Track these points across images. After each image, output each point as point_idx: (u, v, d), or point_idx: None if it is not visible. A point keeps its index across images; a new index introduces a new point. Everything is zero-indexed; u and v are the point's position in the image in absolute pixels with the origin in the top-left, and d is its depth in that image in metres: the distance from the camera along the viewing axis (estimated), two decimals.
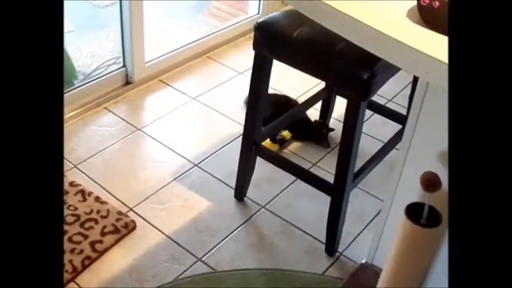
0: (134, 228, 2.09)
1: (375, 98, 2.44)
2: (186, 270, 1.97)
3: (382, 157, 2.17)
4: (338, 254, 2.08)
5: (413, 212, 1.43)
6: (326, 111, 2.58)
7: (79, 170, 2.34)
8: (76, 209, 2.11)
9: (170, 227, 2.12)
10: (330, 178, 1.96)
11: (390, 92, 2.92)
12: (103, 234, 2.03)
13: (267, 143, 2.48)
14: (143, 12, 2.69)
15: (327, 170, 2.41)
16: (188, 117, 2.71)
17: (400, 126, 2.28)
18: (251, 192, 2.27)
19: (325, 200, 2.01)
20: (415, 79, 2.09)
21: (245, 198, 2.27)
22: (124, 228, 2.07)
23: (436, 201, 1.41)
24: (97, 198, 2.17)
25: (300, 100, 2.73)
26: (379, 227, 1.84)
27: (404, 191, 1.68)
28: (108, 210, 2.12)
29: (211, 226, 2.14)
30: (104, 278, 1.91)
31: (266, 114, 2.13)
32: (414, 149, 1.60)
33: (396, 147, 2.17)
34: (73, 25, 3.25)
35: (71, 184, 2.22)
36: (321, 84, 2.60)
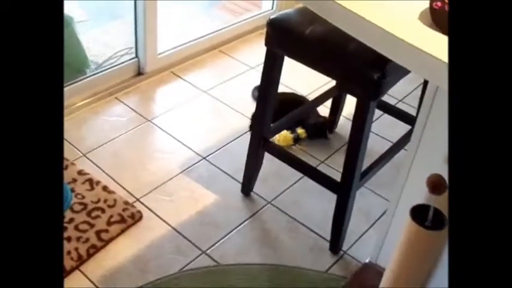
0: (140, 218, 2.10)
1: (385, 97, 2.43)
2: (190, 262, 1.98)
3: (390, 157, 2.17)
4: (342, 252, 2.08)
5: (419, 213, 1.43)
6: (336, 110, 2.58)
7: (88, 158, 2.35)
8: (83, 197, 2.13)
9: (176, 219, 2.13)
10: (338, 176, 1.96)
11: (400, 93, 2.91)
12: (109, 223, 2.04)
13: (282, 134, 2.48)
14: (157, 4, 2.70)
15: (335, 168, 2.41)
16: (198, 110, 2.71)
17: (409, 127, 2.27)
18: (258, 187, 2.28)
19: (331, 198, 2.01)
20: (426, 81, 2.08)
21: (252, 193, 2.27)
22: (130, 218, 2.08)
23: (442, 203, 1.41)
24: (105, 188, 2.18)
25: (310, 98, 2.73)
26: (384, 227, 1.84)
27: (410, 192, 1.68)
28: (115, 200, 2.13)
29: (217, 219, 2.15)
30: (108, 267, 1.93)
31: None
32: (422, 151, 1.60)
33: (405, 148, 2.17)
34: (87, 14, 3.26)
35: (80, 173, 2.24)
36: (332, 82, 2.60)
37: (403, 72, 1.76)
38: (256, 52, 3.13)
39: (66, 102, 2.52)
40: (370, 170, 2.04)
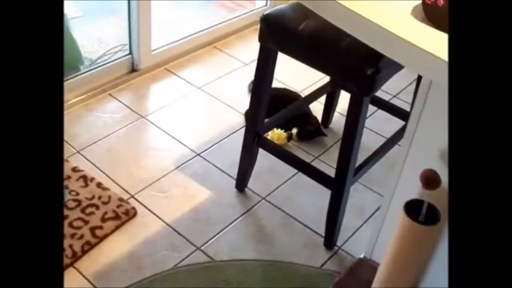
0: (134, 215, 2.10)
1: (379, 93, 2.44)
2: (185, 258, 1.98)
3: (384, 153, 2.17)
4: (336, 247, 2.08)
5: (412, 208, 1.44)
6: (330, 105, 2.58)
7: (82, 155, 2.35)
8: (77, 194, 2.12)
9: (170, 215, 2.13)
10: (332, 172, 1.96)
11: (395, 88, 2.91)
12: (103, 220, 2.04)
13: (276, 132, 2.48)
14: (151, 1, 2.70)
15: (329, 163, 2.41)
16: (192, 106, 2.71)
17: (403, 123, 2.27)
18: (252, 183, 2.28)
19: (326, 194, 2.01)
20: (419, 76, 2.09)
21: (246, 189, 2.28)
22: (124, 215, 2.08)
23: (435, 198, 1.41)
24: (99, 184, 2.18)
25: (305, 93, 2.74)
26: (378, 223, 1.84)
27: (404, 187, 1.68)
28: (109, 197, 2.13)
29: (212, 216, 2.15)
30: (103, 264, 1.93)
31: None
32: (415, 146, 1.60)
33: (399, 143, 2.17)
34: (81, 11, 3.25)
35: (74, 169, 2.23)
36: (326, 78, 2.60)
37: (397, 67, 1.76)
38: (251, 48, 3.13)
39: None
40: (364, 166, 2.05)
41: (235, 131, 2.56)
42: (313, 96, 2.41)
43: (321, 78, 2.80)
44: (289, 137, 2.52)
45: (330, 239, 2.06)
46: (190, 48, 3.07)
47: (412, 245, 1.48)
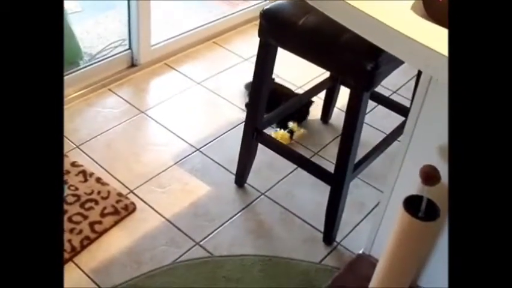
0: (134, 210, 2.10)
1: (379, 89, 2.43)
2: (184, 253, 1.98)
3: (384, 148, 2.17)
4: (335, 243, 2.08)
5: (412, 204, 1.44)
6: (330, 101, 2.58)
7: (81, 150, 2.34)
8: (76, 189, 2.12)
9: (169, 211, 2.13)
10: (331, 167, 1.96)
11: (395, 84, 2.91)
12: (102, 215, 2.04)
13: (279, 134, 2.47)
14: None
15: (328, 159, 2.41)
16: (192, 101, 2.71)
17: (403, 119, 2.27)
18: (251, 178, 2.28)
19: (325, 189, 2.01)
20: (419, 72, 2.08)
21: (245, 185, 2.27)
22: (123, 210, 2.07)
23: (435, 194, 1.41)
24: (98, 179, 2.18)
25: (304, 89, 2.73)
26: (377, 218, 1.84)
27: (403, 183, 1.68)
28: (108, 192, 2.13)
29: (211, 211, 2.15)
30: (102, 259, 1.92)
31: None
32: (415, 142, 1.60)
33: (398, 139, 2.17)
34: (81, 5, 3.24)
35: (73, 164, 2.23)
36: (326, 73, 2.59)
37: (396, 63, 1.76)
38: (251, 43, 3.12)
39: None
40: (364, 161, 2.05)
41: (235, 126, 2.55)
42: (313, 91, 2.41)
43: (321, 74, 2.79)
44: (291, 134, 2.51)
45: (329, 234, 2.06)
46: (190, 43, 3.06)
47: (411, 241, 1.48)
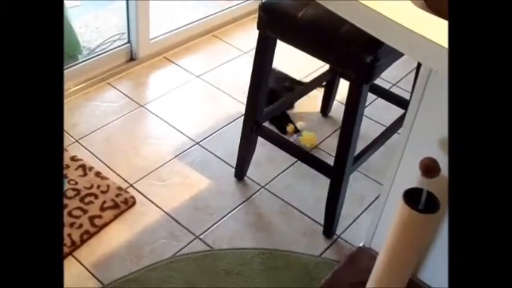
0: (133, 204, 2.10)
1: (379, 82, 2.43)
2: (184, 247, 1.98)
3: (383, 141, 2.17)
4: (335, 236, 2.08)
5: (412, 197, 1.44)
6: (329, 94, 2.57)
7: (81, 144, 2.34)
8: (76, 183, 2.12)
9: (169, 204, 2.13)
10: (331, 160, 1.96)
11: (394, 77, 2.91)
12: (102, 209, 2.04)
13: (305, 136, 2.46)
14: None
15: (328, 152, 2.41)
16: (191, 95, 2.70)
17: (403, 111, 2.27)
18: (251, 172, 2.28)
19: (325, 182, 2.01)
20: (419, 64, 2.08)
21: (245, 178, 2.27)
22: (123, 204, 2.07)
23: (435, 187, 1.41)
24: (98, 174, 2.17)
25: (303, 82, 2.73)
26: (377, 211, 1.84)
27: (403, 176, 1.68)
28: (108, 186, 2.13)
29: (211, 204, 2.15)
30: (102, 253, 1.92)
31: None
32: (415, 134, 1.60)
33: (398, 131, 2.17)
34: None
35: (72, 159, 2.23)
36: (326, 66, 2.59)
37: (396, 55, 1.76)
38: (250, 36, 3.11)
39: None
40: (363, 154, 2.04)
41: (234, 120, 2.55)
42: (313, 84, 2.40)
43: (320, 67, 2.79)
44: (296, 129, 2.50)
45: (329, 227, 2.06)
46: (189, 36, 3.05)
47: (411, 234, 1.48)
